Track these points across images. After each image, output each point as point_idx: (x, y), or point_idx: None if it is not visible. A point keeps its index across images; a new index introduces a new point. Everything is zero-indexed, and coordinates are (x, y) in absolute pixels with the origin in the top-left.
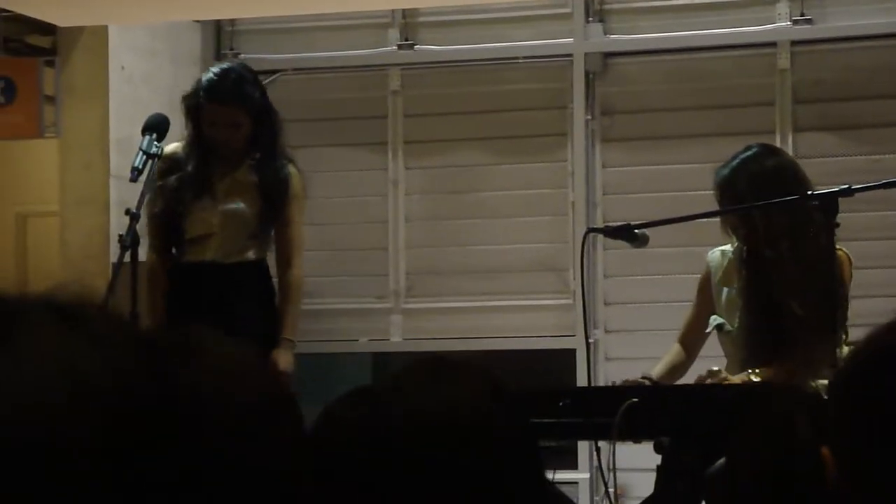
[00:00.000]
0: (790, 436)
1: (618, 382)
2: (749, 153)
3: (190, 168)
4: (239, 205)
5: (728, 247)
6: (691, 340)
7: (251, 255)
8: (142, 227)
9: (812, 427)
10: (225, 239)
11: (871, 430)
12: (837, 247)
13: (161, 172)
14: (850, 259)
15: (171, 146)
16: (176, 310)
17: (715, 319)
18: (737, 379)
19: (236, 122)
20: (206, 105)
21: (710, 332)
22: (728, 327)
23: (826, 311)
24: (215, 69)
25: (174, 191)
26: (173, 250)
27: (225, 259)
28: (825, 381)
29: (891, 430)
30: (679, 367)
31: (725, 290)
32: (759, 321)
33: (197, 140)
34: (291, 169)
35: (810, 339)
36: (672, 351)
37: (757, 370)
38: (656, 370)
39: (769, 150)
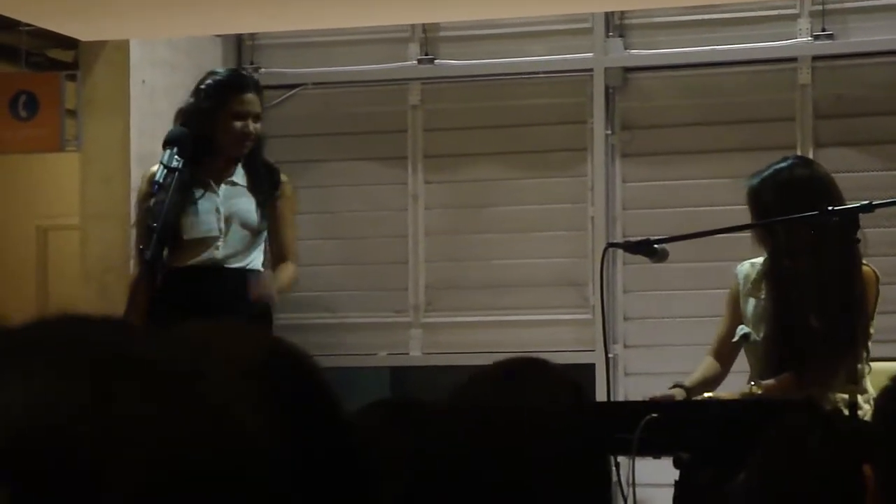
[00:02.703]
0: (808, 452)
1: (647, 398)
2: (783, 164)
3: (187, 173)
4: (241, 206)
5: (759, 259)
6: (724, 353)
7: (253, 262)
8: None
9: (829, 443)
10: (229, 240)
11: None
12: (864, 262)
13: (146, 195)
14: (877, 276)
15: (154, 168)
16: (169, 312)
17: (742, 329)
18: (735, 393)
19: (259, 115)
20: (234, 98)
21: (737, 342)
22: (754, 337)
23: (845, 326)
24: (218, 70)
25: (174, 193)
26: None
27: (229, 262)
28: (845, 396)
29: None
30: (713, 380)
31: (753, 301)
32: (777, 333)
33: (199, 144)
34: (283, 175)
35: (826, 353)
36: (705, 363)
37: (759, 382)
38: (690, 379)
39: (803, 162)
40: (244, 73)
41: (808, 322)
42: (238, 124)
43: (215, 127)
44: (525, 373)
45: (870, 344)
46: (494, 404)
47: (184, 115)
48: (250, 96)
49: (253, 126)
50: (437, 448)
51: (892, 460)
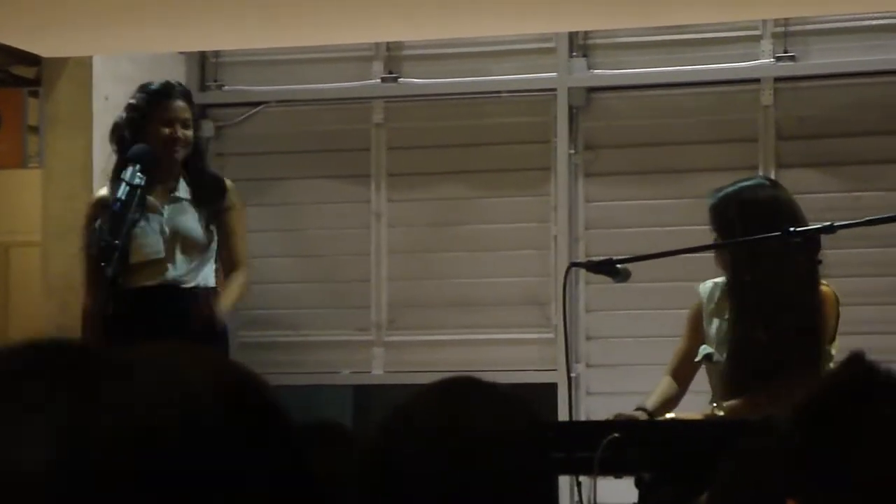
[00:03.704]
0: (769, 473)
1: (609, 416)
2: (747, 182)
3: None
4: (185, 223)
5: (722, 279)
6: (682, 371)
7: (206, 279)
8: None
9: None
10: (177, 262)
11: (833, 479)
12: (824, 283)
13: (92, 219)
14: (836, 297)
15: (101, 191)
16: (123, 332)
17: (704, 349)
18: (698, 413)
19: (188, 121)
20: (158, 105)
21: (699, 362)
22: (717, 358)
23: (802, 346)
24: (151, 82)
25: (115, 218)
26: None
27: (182, 282)
28: None
29: (846, 476)
30: (672, 400)
31: (716, 321)
32: (737, 352)
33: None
34: (227, 181)
35: (783, 374)
36: (663, 383)
37: (721, 404)
38: (650, 402)
39: (768, 183)
40: (173, 83)
41: (759, 336)
42: (166, 130)
43: (147, 138)
44: (467, 392)
45: (831, 365)
46: (434, 424)
47: (118, 129)
48: (177, 103)
49: (182, 132)
50: (376, 469)
51: (817, 489)
